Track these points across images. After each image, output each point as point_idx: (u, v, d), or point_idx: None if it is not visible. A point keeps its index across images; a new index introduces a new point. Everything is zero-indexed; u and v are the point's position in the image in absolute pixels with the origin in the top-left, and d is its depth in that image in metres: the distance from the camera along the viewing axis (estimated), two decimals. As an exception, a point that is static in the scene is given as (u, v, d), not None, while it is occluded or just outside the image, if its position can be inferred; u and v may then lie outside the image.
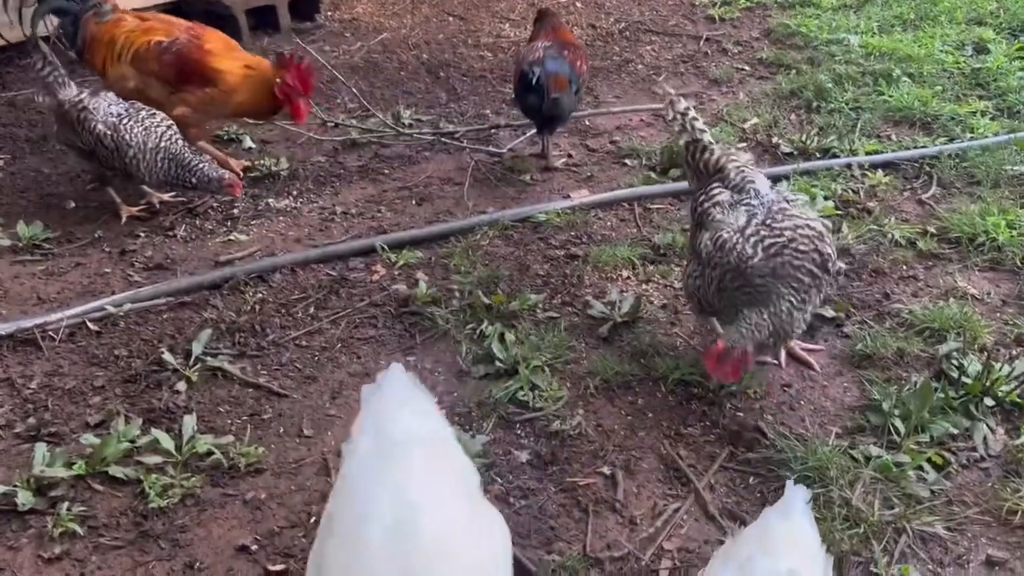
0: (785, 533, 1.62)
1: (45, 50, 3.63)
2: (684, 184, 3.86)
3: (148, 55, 3.86)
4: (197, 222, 3.75)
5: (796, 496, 1.67)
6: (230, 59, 3.93)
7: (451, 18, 6.46)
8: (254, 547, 2.24)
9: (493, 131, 4.54)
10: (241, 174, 4.01)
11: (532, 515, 2.33)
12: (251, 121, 4.40)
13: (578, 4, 6.47)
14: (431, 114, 4.77)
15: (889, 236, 3.38)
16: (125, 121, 3.53)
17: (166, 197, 3.85)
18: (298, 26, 6.16)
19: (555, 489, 2.40)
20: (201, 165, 3.58)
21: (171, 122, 3.67)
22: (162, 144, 3.54)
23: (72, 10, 4.04)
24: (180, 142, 3.60)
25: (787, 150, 4.13)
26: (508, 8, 6.46)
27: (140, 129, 3.52)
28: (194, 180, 3.57)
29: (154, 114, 3.63)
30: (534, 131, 4.44)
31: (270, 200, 3.93)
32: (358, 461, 1.64)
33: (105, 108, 3.56)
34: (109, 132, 3.50)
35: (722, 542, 2.19)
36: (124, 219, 3.72)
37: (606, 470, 2.45)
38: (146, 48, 3.86)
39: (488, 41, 5.85)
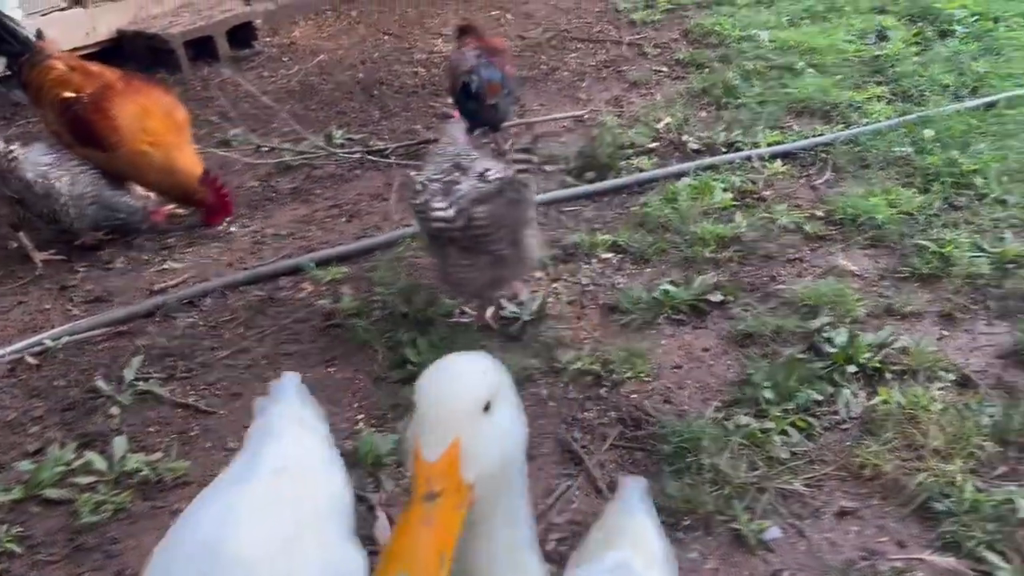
0: (623, 526, 1.67)
1: None
2: (595, 186, 4.10)
3: (56, 108, 3.95)
4: (133, 254, 3.94)
5: (633, 489, 1.74)
6: (135, 131, 3.86)
7: (386, 36, 6.68)
8: (178, 552, 2.42)
9: (422, 146, 4.74)
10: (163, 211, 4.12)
11: (438, 504, 2.52)
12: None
13: (508, 16, 6.70)
14: (363, 132, 4.98)
15: (779, 222, 3.60)
16: (54, 170, 3.72)
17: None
18: (236, 54, 6.35)
19: (460, 479, 2.60)
20: (124, 199, 3.80)
21: (95, 172, 3.84)
22: (87, 191, 3.75)
23: (12, 52, 4.19)
24: (100, 181, 3.80)
25: (695, 147, 4.36)
26: (441, 24, 6.68)
27: (68, 178, 3.72)
28: (122, 216, 3.78)
29: (81, 163, 3.83)
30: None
31: (203, 228, 4.11)
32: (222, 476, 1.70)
33: (35, 158, 3.74)
34: (39, 180, 3.68)
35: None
36: (39, 265, 3.86)
37: (509, 458, 2.65)
38: (56, 101, 3.96)
39: (421, 57, 6.06)
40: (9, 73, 4.34)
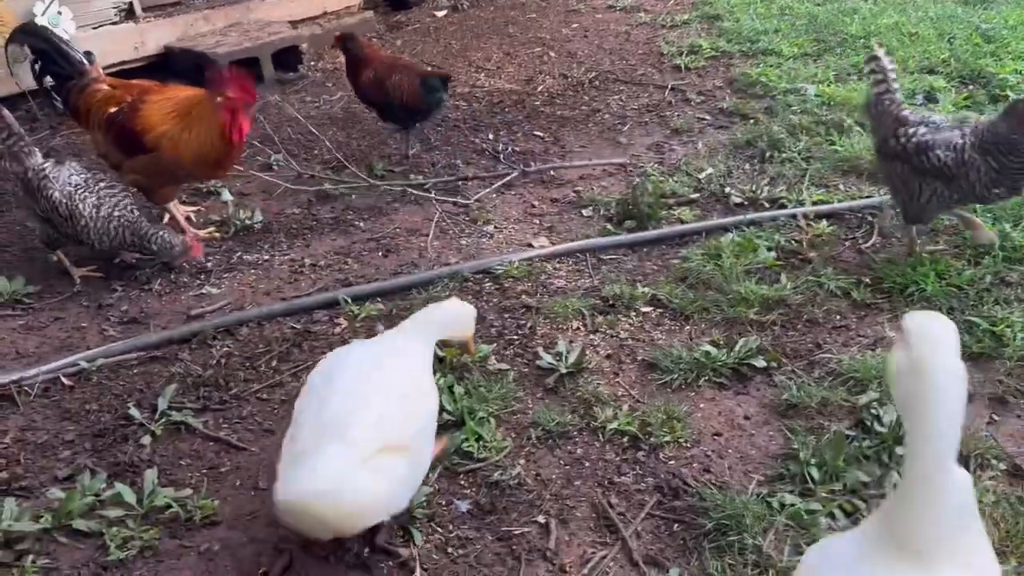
0: None
1: (10, 120, 3.80)
2: (637, 235, 4.06)
3: (103, 126, 4.01)
4: (172, 276, 3.94)
5: None
6: (165, 122, 3.89)
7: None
8: (205, 597, 2.38)
9: (461, 182, 4.73)
10: (200, 236, 4.13)
11: (468, 564, 2.47)
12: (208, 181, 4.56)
13: (551, 54, 6.72)
14: (404, 164, 4.98)
15: (826, 286, 3.54)
16: (81, 191, 3.71)
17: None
18: (282, 76, 6.41)
19: (492, 538, 2.55)
20: (160, 232, 3.78)
21: (127, 192, 3.84)
22: (115, 213, 3.73)
23: (63, 74, 4.21)
24: (136, 211, 3.78)
25: (738, 200, 4.32)
26: (484, 58, 6.71)
27: (94, 199, 3.71)
28: (154, 247, 3.78)
29: (112, 185, 3.82)
30: (500, 182, 4.67)
31: (243, 254, 4.11)
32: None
33: (64, 178, 3.74)
34: (64, 200, 3.69)
35: (642, 588, 2.33)
36: (78, 281, 3.87)
37: (541, 519, 2.60)
38: (103, 119, 4.01)
39: (464, 91, 6.08)
40: (56, 98, 4.34)
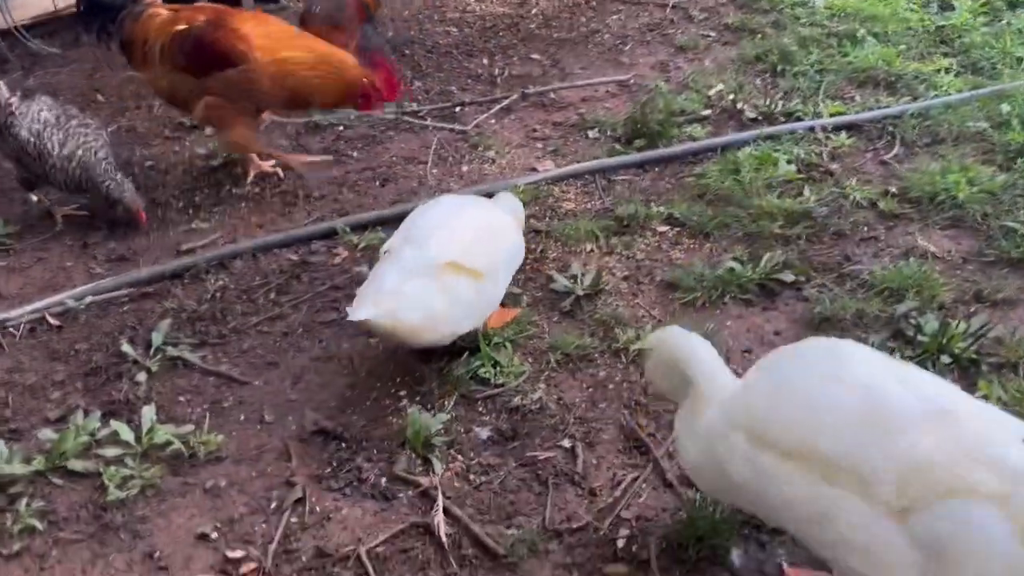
0: None
1: None
2: (648, 154, 3.86)
3: (171, 47, 3.58)
4: (159, 212, 3.72)
5: None
6: (265, 40, 3.54)
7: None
8: (214, 534, 2.24)
9: (458, 108, 4.50)
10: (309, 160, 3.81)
11: (492, 491, 2.34)
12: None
13: (545, -25, 6.40)
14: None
15: (851, 198, 3.37)
16: (50, 128, 3.43)
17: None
18: (263, 7, 6.09)
19: (516, 464, 2.41)
20: (109, 184, 3.45)
21: (100, 132, 3.55)
22: (77, 152, 3.42)
23: (114, 4, 3.76)
24: (100, 154, 3.46)
25: (752, 115, 4.11)
26: (474, -18, 6.38)
27: (60, 136, 3.42)
28: (101, 195, 3.48)
29: (86, 123, 3.53)
30: (498, 107, 4.45)
31: (231, 187, 3.89)
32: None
33: (34, 114, 3.46)
34: (32, 139, 3.41)
35: (679, 509, 2.21)
36: (60, 221, 3.63)
37: (566, 443, 2.46)
38: (169, 41, 3.58)
39: (454, 16, 5.78)
40: (108, 33, 3.81)
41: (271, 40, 3.59)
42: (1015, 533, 1.50)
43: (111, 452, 2.45)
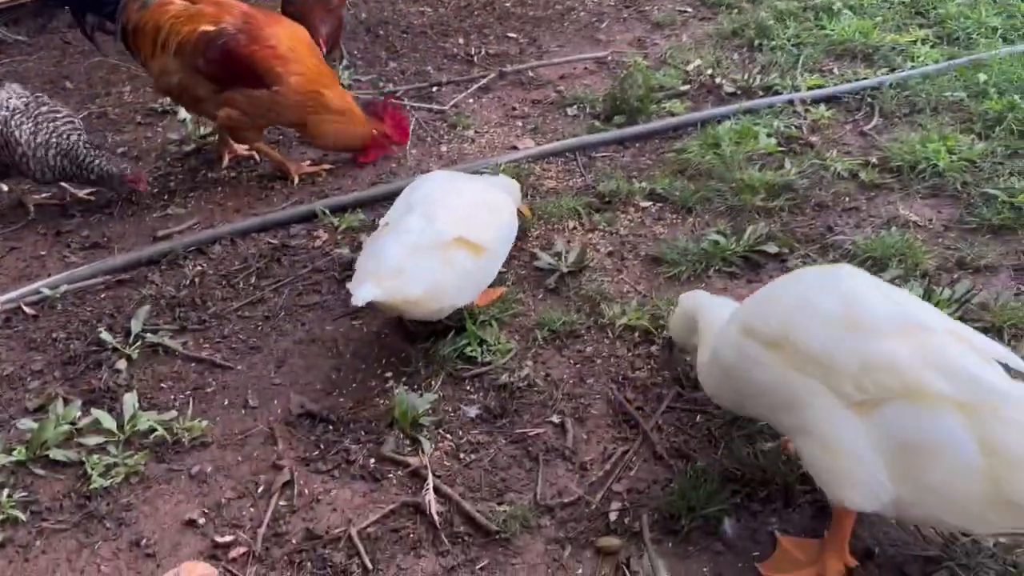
0: None
1: None
2: (628, 130, 3.84)
3: (193, 47, 3.39)
4: (134, 197, 3.65)
5: None
6: (296, 62, 3.43)
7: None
8: (201, 520, 2.21)
9: (435, 88, 4.45)
10: (296, 179, 3.65)
11: (483, 468, 2.32)
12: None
13: (519, -47, 6.33)
14: (371, 73, 4.67)
15: (831, 169, 3.37)
16: (19, 116, 3.34)
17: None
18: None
19: (505, 441, 2.40)
20: (97, 161, 3.37)
21: (72, 118, 3.43)
22: (52, 139, 3.33)
23: None
24: (74, 137, 3.37)
25: (730, 90, 4.10)
26: (447, -39, 6.31)
27: (30, 125, 3.32)
28: (93, 177, 3.41)
29: (56, 109, 3.43)
30: (476, 86, 4.41)
31: (207, 172, 3.83)
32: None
33: (2, 101, 3.37)
34: (0, 127, 3.33)
35: (670, 481, 2.20)
36: (32, 210, 3.56)
37: (555, 419, 2.45)
38: (191, 39, 3.40)
39: (428, -3, 5.72)
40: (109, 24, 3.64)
41: (303, 65, 3.46)
42: (978, 443, 1.61)
43: (93, 440, 2.41)
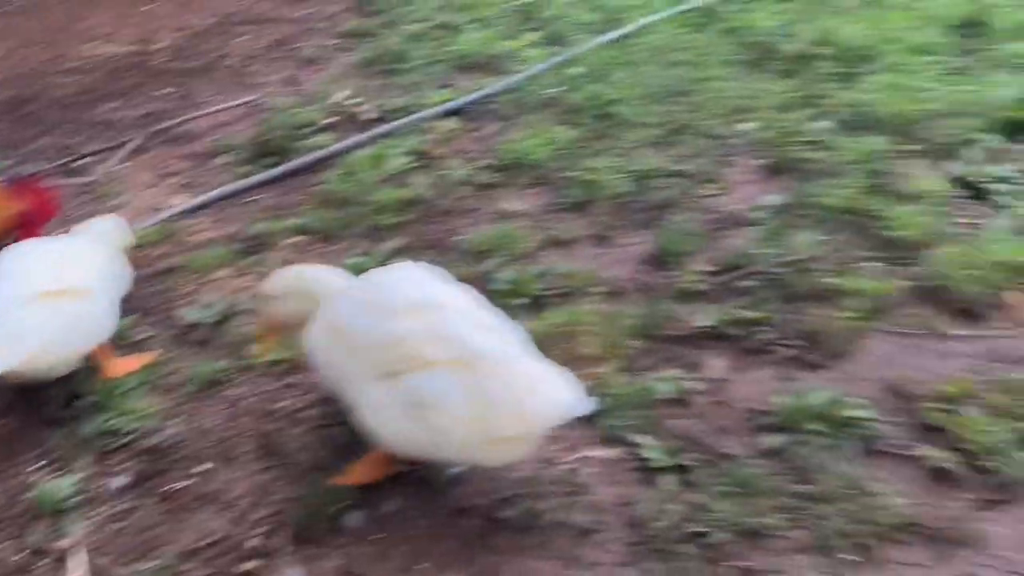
0: None
1: None
2: (274, 171, 4.02)
3: None
4: None
5: None
6: None
7: (36, 47, 6.06)
8: None
9: (82, 159, 4.37)
10: None
11: (135, 530, 2.40)
12: None
13: (168, 6, 6.31)
14: (13, 157, 4.49)
15: (449, 177, 3.76)
16: None
17: None
18: None
19: (156, 500, 2.48)
20: None
21: None
22: None
23: None
24: None
25: (371, 116, 4.40)
26: (95, 25, 6.17)
27: None
28: None
29: None
30: (125, 151, 4.38)
31: None
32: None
33: None
34: None
35: (311, 494, 2.41)
36: None
37: (207, 466, 2.57)
38: None
39: (75, 65, 5.58)
40: None
41: None
42: (466, 393, 2.05)
43: None
